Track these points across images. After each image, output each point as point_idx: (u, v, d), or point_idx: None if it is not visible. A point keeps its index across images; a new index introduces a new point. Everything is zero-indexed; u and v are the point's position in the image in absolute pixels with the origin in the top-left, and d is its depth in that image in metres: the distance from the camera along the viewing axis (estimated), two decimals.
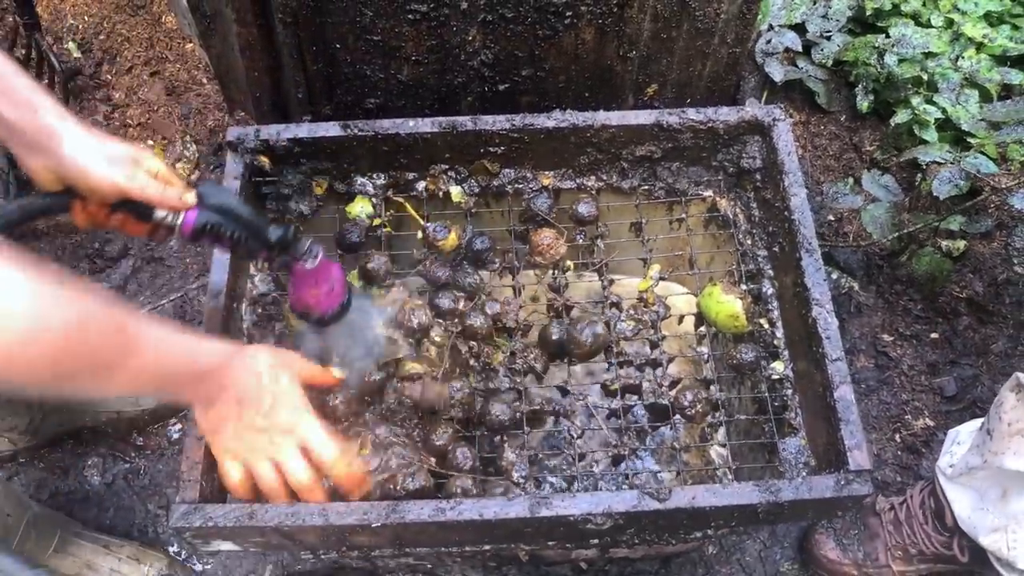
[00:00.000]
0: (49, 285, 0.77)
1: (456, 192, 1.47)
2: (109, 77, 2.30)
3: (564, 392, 1.37)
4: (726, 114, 1.41)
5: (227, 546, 1.16)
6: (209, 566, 1.73)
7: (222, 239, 1.11)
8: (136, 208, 1.05)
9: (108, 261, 2.08)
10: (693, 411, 1.28)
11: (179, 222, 1.08)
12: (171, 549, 1.73)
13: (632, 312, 1.40)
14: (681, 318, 1.52)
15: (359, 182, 1.47)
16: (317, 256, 1.14)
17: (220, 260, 1.29)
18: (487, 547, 1.32)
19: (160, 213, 1.06)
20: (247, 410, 1.06)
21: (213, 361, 1.03)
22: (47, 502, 1.76)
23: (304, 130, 1.40)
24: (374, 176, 1.47)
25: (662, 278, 1.44)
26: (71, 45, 2.32)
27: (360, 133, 1.39)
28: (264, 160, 1.39)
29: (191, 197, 1.08)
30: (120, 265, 2.08)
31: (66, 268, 2.06)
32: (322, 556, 1.32)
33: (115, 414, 1.79)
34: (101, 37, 2.35)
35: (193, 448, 1.14)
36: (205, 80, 2.30)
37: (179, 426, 1.87)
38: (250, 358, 1.08)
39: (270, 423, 1.06)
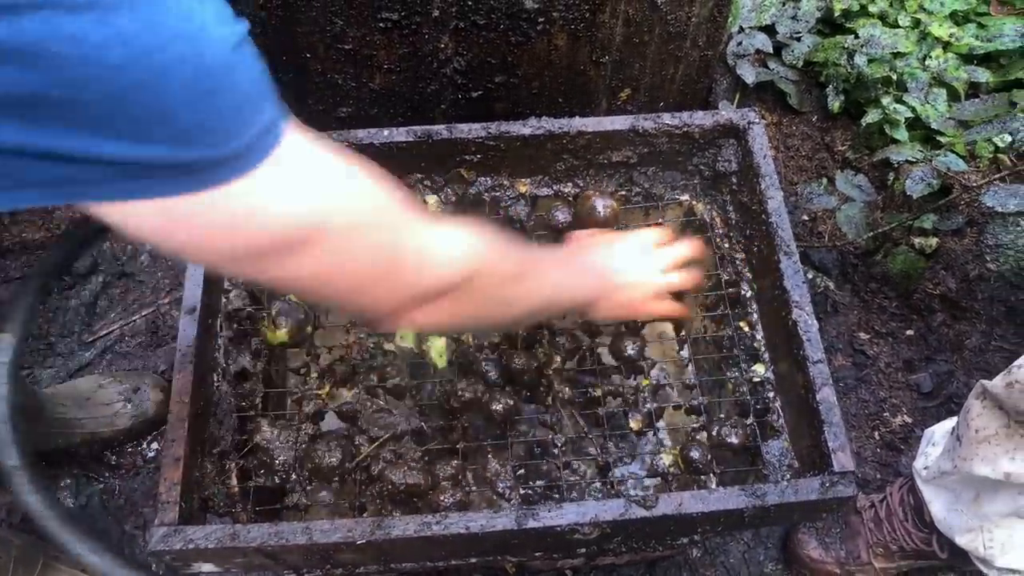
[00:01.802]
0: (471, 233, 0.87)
1: (432, 201, 1.46)
2: None
3: (545, 403, 1.36)
4: (701, 118, 1.41)
5: (208, 568, 1.14)
6: None
7: None
8: None
9: (77, 277, 2.04)
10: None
11: None
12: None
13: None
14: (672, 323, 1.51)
15: None
16: None
17: (194, 275, 1.27)
18: (474, 560, 1.31)
19: None
20: (625, 269, 1.20)
21: (565, 257, 1.21)
22: (19, 527, 1.72)
23: None
24: None
25: None
26: None
27: (334, 143, 1.37)
28: None
29: None
30: (90, 281, 2.04)
31: None
32: (305, 575, 1.30)
33: (89, 435, 1.76)
34: None
35: (170, 468, 1.12)
36: None
37: (155, 444, 1.84)
38: (578, 243, 1.28)
39: (640, 258, 1.23)
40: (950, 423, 1.53)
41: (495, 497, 1.24)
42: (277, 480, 1.24)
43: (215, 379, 1.28)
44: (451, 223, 0.86)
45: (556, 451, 1.28)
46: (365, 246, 0.74)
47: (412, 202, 0.79)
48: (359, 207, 0.73)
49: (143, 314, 2.00)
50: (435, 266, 0.81)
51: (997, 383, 1.29)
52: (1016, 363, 1.26)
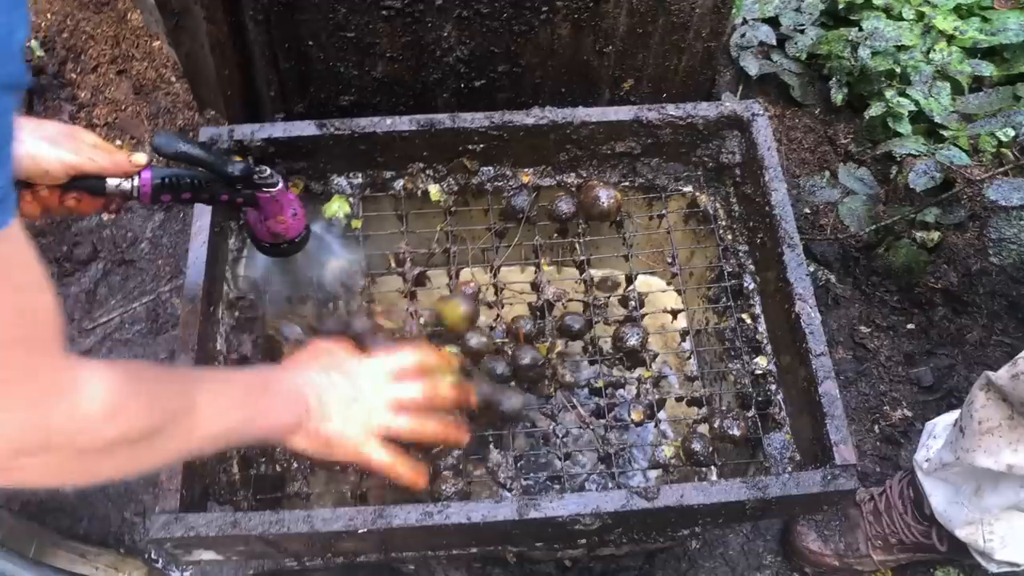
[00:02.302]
0: (115, 365, 0.75)
1: (435, 191, 1.45)
2: (74, 76, 2.25)
3: (547, 393, 1.36)
4: (705, 109, 1.41)
5: (209, 555, 1.14)
6: (188, 572, 1.71)
7: (183, 190, 1.07)
8: (88, 184, 1.01)
9: (77, 264, 2.03)
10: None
11: (135, 185, 1.03)
12: (148, 556, 1.70)
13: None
14: (673, 314, 1.51)
15: (335, 181, 1.45)
16: (279, 181, 1.13)
17: (195, 261, 1.26)
18: (474, 549, 1.31)
19: (113, 182, 1.02)
20: (331, 399, 1.03)
21: (265, 377, 1.03)
22: (19, 513, 1.72)
23: (279, 129, 1.37)
24: (351, 175, 1.45)
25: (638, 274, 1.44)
26: (34, 43, 2.26)
27: (336, 132, 1.36)
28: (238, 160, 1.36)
29: (141, 157, 1.04)
30: (90, 268, 2.03)
31: None
32: (306, 563, 1.30)
33: None
34: (64, 35, 2.29)
35: None
36: (174, 78, 2.25)
37: None
38: (295, 359, 1.09)
39: (357, 392, 1.05)
40: (952, 416, 1.53)
41: (496, 487, 1.24)
42: (278, 468, 1.24)
43: (216, 367, 1.28)
44: (93, 361, 0.72)
45: (557, 442, 1.28)
46: None
47: (59, 330, 0.66)
48: None
49: (143, 301, 1.99)
50: (73, 411, 0.68)
51: (1002, 374, 1.29)
52: (1021, 354, 1.26)
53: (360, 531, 1.05)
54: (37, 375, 0.64)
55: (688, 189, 1.48)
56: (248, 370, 1.07)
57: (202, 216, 1.28)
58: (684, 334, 1.44)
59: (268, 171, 1.12)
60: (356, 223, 1.43)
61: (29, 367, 0.63)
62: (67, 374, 0.68)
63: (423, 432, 1.09)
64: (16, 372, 0.62)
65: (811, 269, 2.05)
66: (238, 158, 1.10)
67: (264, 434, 0.99)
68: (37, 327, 0.63)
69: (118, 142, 2.16)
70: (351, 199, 1.44)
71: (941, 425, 1.57)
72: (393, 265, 1.42)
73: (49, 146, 0.96)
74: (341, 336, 1.23)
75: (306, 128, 1.37)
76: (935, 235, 2.03)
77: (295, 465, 1.24)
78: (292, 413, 1.00)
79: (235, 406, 0.93)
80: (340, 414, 1.03)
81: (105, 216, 2.08)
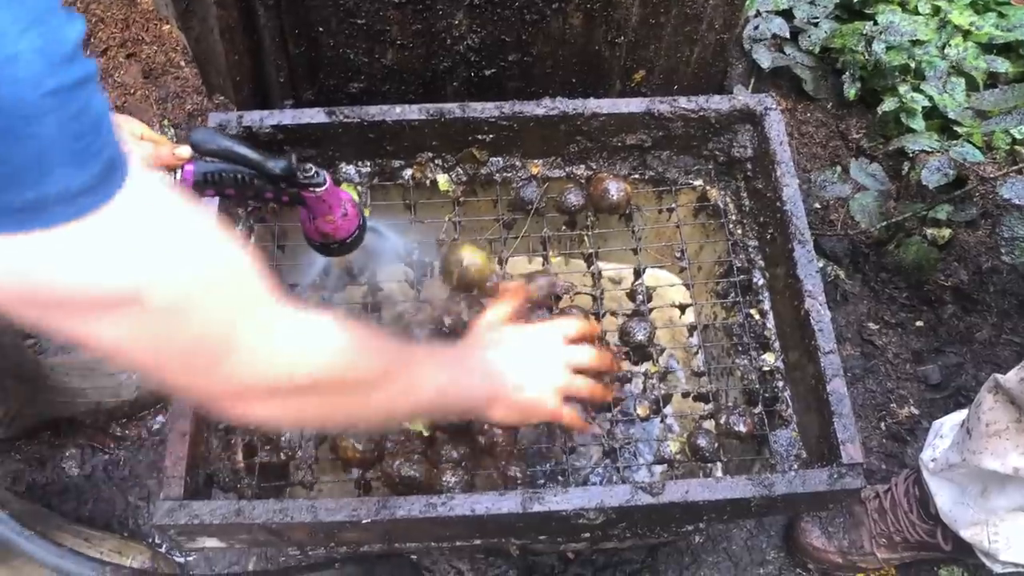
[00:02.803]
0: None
1: (443, 180, 1.45)
2: None
3: None
4: (717, 103, 1.39)
5: (212, 543, 1.14)
6: (192, 558, 1.71)
7: (225, 186, 1.05)
8: None
9: None
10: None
11: (177, 179, 1.02)
12: (152, 541, 1.71)
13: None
14: (681, 309, 1.50)
15: (344, 169, 1.44)
16: (325, 180, 1.09)
17: None
18: (478, 541, 1.31)
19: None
20: (521, 368, 1.08)
21: (454, 356, 1.08)
22: (24, 495, 1.73)
23: (288, 116, 1.36)
24: (359, 163, 1.44)
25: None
26: None
27: (346, 120, 1.36)
28: None
29: (184, 151, 1.03)
30: None
31: None
32: (309, 552, 1.30)
33: (94, 404, 1.76)
34: None
35: (176, 443, 1.12)
36: (183, 63, 2.25)
37: (160, 417, 1.84)
38: (475, 336, 1.14)
39: (538, 358, 1.11)
40: (959, 415, 1.53)
41: (500, 480, 1.23)
42: (283, 457, 1.24)
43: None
44: (315, 313, 0.78)
45: (562, 435, 1.28)
46: (190, 325, 0.65)
47: (268, 281, 0.71)
48: (193, 278, 0.64)
49: None
50: (277, 359, 0.73)
51: (1011, 377, 1.29)
52: None
53: (364, 522, 1.05)
54: (281, 321, 0.73)
55: (698, 183, 1.47)
56: (441, 348, 1.15)
57: (209, 203, 1.28)
58: (692, 329, 1.44)
59: (313, 169, 1.08)
60: (364, 212, 1.42)
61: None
62: (307, 319, 0.76)
63: (595, 392, 1.15)
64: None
65: (820, 264, 2.04)
66: (279, 156, 1.08)
67: (465, 407, 1.07)
68: (263, 285, 0.72)
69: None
70: (359, 188, 1.43)
71: (948, 425, 1.56)
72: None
73: None
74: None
75: (315, 115, 1.36)
76: (946, 232, 2.02)
77: (299, 454, 1.24)
78: (487, 387, 1.06)
79: (439, 380, 0.98)
80: (532, 382, 1.09)
81: None
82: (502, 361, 1.08)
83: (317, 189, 1.09)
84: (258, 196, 1.10)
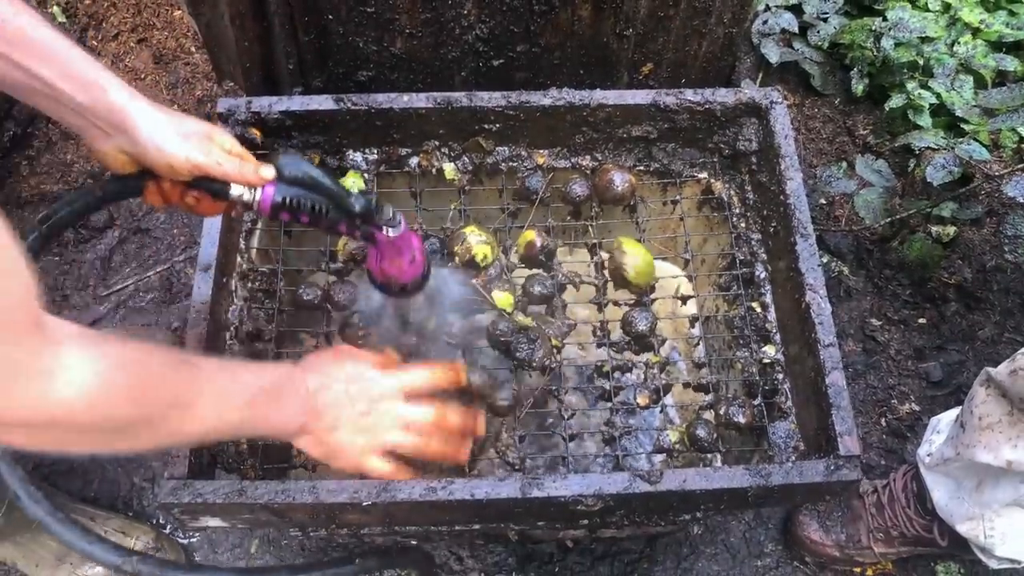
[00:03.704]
0: (108, 348, 0.75)
1: (449, 169, 1.46)
2: (95, 44, 2.26)
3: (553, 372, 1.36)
4: (723, 96, 1.40)
5: (215, 522, 1.16)
6: (195, 539, 1.73)
7: (302, 212, 1.06)
8: (212, 186, 1.02)
9: (93, 231, 2.05)
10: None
11: (256, 198, 1.04)
12: (156, 521, 1.73)
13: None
14: (683, 300, 1.51)
15: (351, 157, 1.45)
16: (400, 224, 1.10)
17: (209, 232, 1.27)
18: (477, 526, 1.32)
19: (237, 190, 1.02)
20: (343, 409, 1.05)
21: (279, 377, 1.02)
22: (30, 474, 1.75)
23: (297, 103, 1.37)
24: (366, 151, 1.45)
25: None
26: (55, 9, 2.27)
27: (353, 107, 1.37)
28: (256, 133, 1.37)
29: (269, 171, 1.04)
30: (105, 235, 2.05)
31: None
32: (310, 533, 1.32)
33: None
34: (86, 2, 2.30)
35: None
36: (193, 49, 2.26)
37: None
38: (314, 362, 1.07)
39: (369, 406, 1.07)
40: (956, 412, 1.53)
41: (500, 465, 1.25)
42: None
43: (228, 337, 1.29)
44: (88, 341, 0.73)
45: (562, 423, 1.29)
46: None
47: (34, 310, 0.66)
48: None
49: (158, 270, 2.01)
50: (46, 395, 0.68)
51: (1001, 370, 1.29)
52: (1021, 350, 1.26)
53: (364, 503, 1.06)
54: (10, 356, 0.64)
55: (703, 175, 1.48)
56: (263, 367, 1.06)
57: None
58: (693, 320, 1.45)
59: (392, 212, 1.09)
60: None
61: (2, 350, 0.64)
62: (46, 355, 0.68)
63: (426, 452, 1.11)
64: None
65: (824, 260, 2.05)
66: (361, 193, 1.09)
67: (266, 433, 1.01)
68: (9, 311, 0.64)
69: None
70: (366, 175, 1.44)
71: (945, 421, 1.57)
72: None
73: (180, 141, 0.97)
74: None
75: (323, 102, 1.37)
76: (951, 230, 2.02)
77: None
78: (299, 415, 1.02)
79: (238, 406, 0.93)
80: (348, 426, 1.05)
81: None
82: (326, 395, 1.04)
83: (391, 232, 1.10)
84: (331, 228, 1.10)
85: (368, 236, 1.11)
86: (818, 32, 2.24)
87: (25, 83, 0.91)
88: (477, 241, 1.34)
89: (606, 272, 1.40)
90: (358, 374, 1.08)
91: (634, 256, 1.35)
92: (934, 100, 2.07)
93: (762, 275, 1.39)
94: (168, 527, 1.73)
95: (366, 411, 1.07)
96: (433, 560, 1.60)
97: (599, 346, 1.37)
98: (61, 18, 2.25)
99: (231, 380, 0.95)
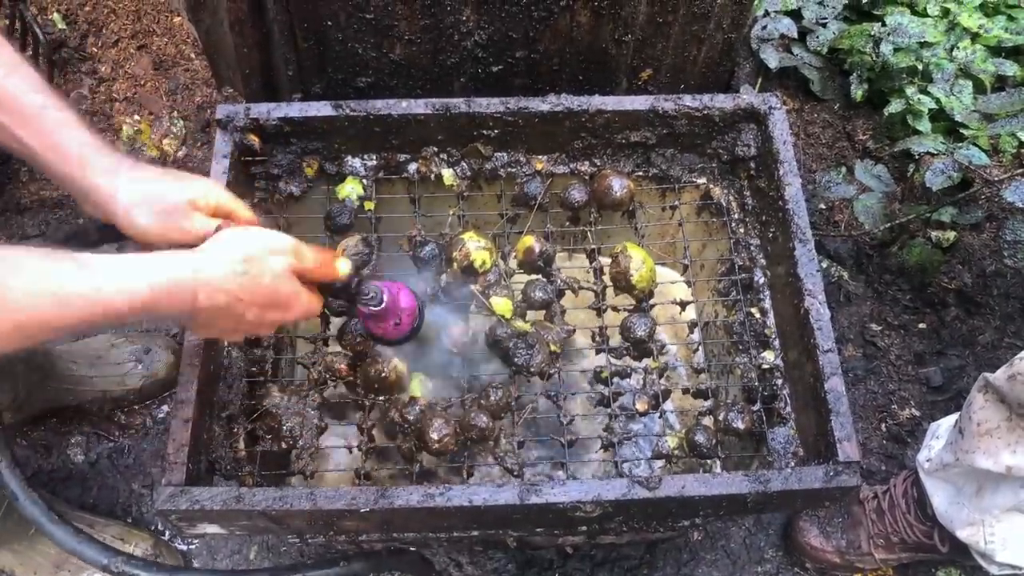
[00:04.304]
0: None
1: (448, 175, 1.46)
2: (95, 50, 2.26)
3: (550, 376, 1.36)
4: (722, 101, 1.40)
5: (213, 529, 1.15)
6: (194, 546, 1.73)
7: None
8: None
9: (93, 244, 2.05)
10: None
11: None
12: (155, 528, 1.72)
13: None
14: (682, 306, 1.51)
15: (350, 163, 1.45)
16: (381, 302, 1.14)
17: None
18: (476, 533, 1.32)
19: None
20: (231, 314, 0.99)
21: (163, 280, 0.93)
22: (30, 481, 1.74)
23: (295, 109, 1.37)
24: (365, 157, 1.45)
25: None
26: (56, 16, 2.27)
27: (352, 113, 1.37)
28: (254, 139, 1.37)
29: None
30: (104, 247, 2.05)
31: (49, 244, 2.04)
32: (308, 540, 1.32)
33: (100, 392, 1.78)
34: (87, 8, 2.30)
35: (179, 430, 1.13)
36: (193, 55, 2.26)
37: (164, 406, 1.86)
38: (223, 250, 0.99)
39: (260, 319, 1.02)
40: (956, 417, 1.53)
41: (499, 471, 1.24)
42: (284, 445, 1.25)
43: (226, 344, 1.29)
44: None
45: (561, 428, 1.29)
46: None
47: None
48: None
49: None
50: None
51: (999, 376, 1.29)
52: (1019, 355, 1.26)
53: (362, 510, 1.06)
54: None
55: (702, 181, 1.48)
56: (134, 257, 0.96)
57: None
58: (692, 326, 1.44)
59: (372, 291, 1.13)
60: (369, 205, 1.44)
61: None
62: None
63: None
64: None
65: (824, 265, 2.04)
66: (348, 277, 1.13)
67: (133, 319, 0.93)
68: None
69: (136, 117, 2.17)
70: (365, 181, 1.45)
71: (944, 426, 1.57)
72: (406, 248, 1.43)
73: (158, 220, 1.03)
74: None
75: (322, 109, 1.37)
76: (950, 235, 2.02)
77: (301, 443, 1.25)
78: (176, 303, 0.95)
79: (86, 294, 0.88)
80: (246, 264, 0.99)
81: None
82: (210, 275, 0.96)
83: (373, 309, 1.15)
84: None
85: (352, 308, 1.20)
86: (817, 37, 2.25)
87: (12, 146, 0.97)
88: (476, 247, 1.34)
89: (605, 277, 1.40)
90: (241, 244, 1.01)
91: (638, 261, 1.35)
92: (933, 105, 2.07)
93: (761, 280, 1.39)
94: (167, 534, 1.73)
95: (259, 253, 1.00)
96: (432, 565, 1.60)
97: (598, 352, 1.36)
98: (61, 25, 2.26)
99: (86, 267, 0.90)
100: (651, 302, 1.39)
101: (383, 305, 1.15)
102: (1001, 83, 2.16)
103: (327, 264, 1.09)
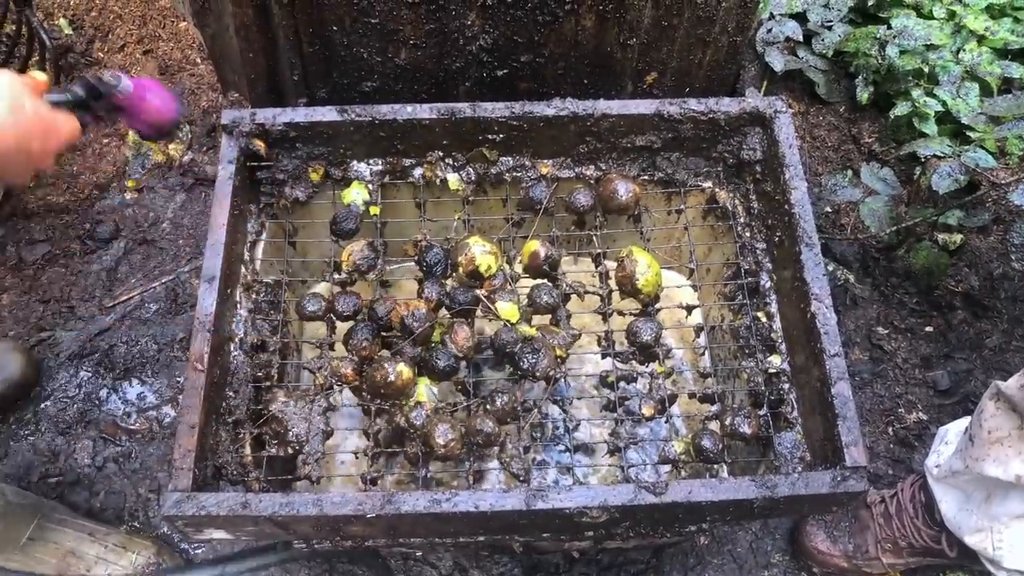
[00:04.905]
0: None
1: (453, 179, 1.46)
2: (101, 55, 2.27)
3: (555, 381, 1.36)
4: (727, 105, 1.40)
5: (219, 534, 1.15)
6: (200, 551, 1.73)
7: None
8: None
9: (99, 242, 2.05)
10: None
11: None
12: (162, 532, 1.72)
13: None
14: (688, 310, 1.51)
15: (355, 167, 1.45)
16: (123, 80, 1.14)
17: (214, 243, 1.27)
18: (482, 538, 1.31)
19: None
20: (20, 151, 1.01)
21: None
22: (36, 485, 1.75)
23: (300, 114, 1.38)
24: (370, 162, 1.46)
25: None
26: (62, 21, 2.28)
27: (357, 118, 1.37)
28: (259, 144, 1.37)
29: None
30: (111, 246, 2.05)
31: (56, 247, 2.04)
32: (315, 545, 1.31)
33: None
34: (93, 14, 2.31)
35: (185, 435, 1.13)
36: (199, 60, 2.27)
37: (171, 411, 1.86)
38: None
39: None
40: (964, 422, 1.52)
41: (505, 477, 1.24)
42: (290, 450, 1.25)
43: (232, 348, 1.29)
44: None
45: (567, 433, 1.29)
46: None
47: None
48: None
49: (163, 281, 2.01)
50: None
51: (1012, 384, 1.28)
52: None
53: (369, 516, 1.06)
54: None
55: (707, 185, 1.48)
56: None
57: (223, 199, 1.30)
58: (699, 330, 1.44)
59: (110, 76, 1.14)
60: (374, 210, 1.44)
61: None
62: None
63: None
64: None
65: (830, 269, 2.04)
66: (76, 83, 1.14)
67: None
68: None
69: None
70: (370, 186, 1.45)
71: (953, 431, 1.56)
72: (411, 253, 1.43)
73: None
74: None
75: (327, 113, 1.37)
76: (957, 238, 2.01)
77: (307, 448, 1.25)
78: None
79: None
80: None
81: (128, 195, 2.11)
82: None
83: (122, 91, 1.15)
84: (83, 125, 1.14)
85: (112, 109, 1.17)
86: (822, 40, 2.24)
87: None
88: (481, 251, 1.34)
89: (611, 282, 1.40)
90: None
91: (644, 265, 1.34)
92: (940, 108, 2.06)
93: (767, 284, 1.38)
94: (175, 538, 1.73)
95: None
96: (390, 569, 1.58)
97: (604, 356, 1.36)
98: (68, 30, 2.27)
99: None
100: (657, 306, 1.39)
101: (130, 82, 1.15)
102: (1008, 85, 2.16)
103: (41, 83, 1.10)
